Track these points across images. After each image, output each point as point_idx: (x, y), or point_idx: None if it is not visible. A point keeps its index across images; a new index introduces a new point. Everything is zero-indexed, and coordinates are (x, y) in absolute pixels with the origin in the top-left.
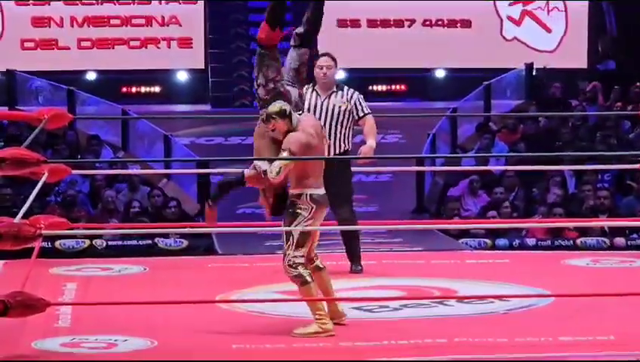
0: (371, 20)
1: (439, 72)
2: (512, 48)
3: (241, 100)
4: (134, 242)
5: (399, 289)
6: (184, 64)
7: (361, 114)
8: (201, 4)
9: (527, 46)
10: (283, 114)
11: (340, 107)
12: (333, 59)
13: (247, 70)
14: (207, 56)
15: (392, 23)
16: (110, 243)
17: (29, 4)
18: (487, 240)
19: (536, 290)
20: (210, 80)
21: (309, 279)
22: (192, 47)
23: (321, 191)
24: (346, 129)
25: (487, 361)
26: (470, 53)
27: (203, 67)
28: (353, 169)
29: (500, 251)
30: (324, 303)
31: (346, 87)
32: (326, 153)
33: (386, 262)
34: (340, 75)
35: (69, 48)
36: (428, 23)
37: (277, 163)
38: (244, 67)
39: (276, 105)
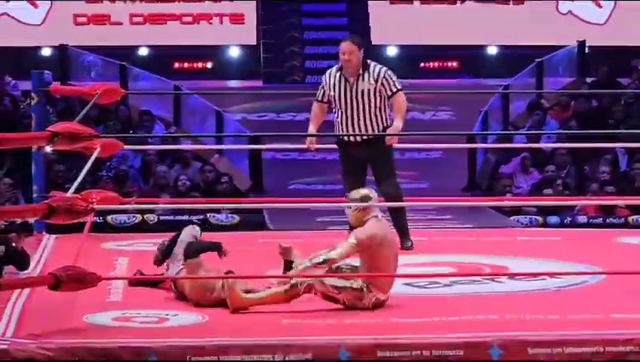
0: None
1: (491, 49)
2: (565, 24)
3: (292, 76)
4: (186, 217)
5: (450, 265)
6: (236, 40)
7: (389, 93)
8: None
9: (581, 20)
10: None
11: (368, 89)
12: (356, 43)
13: (298, 46)
14: (259, 32)
15: None
16: (162, 218)
17: None
18: (539, 218)
19: (587, 268)
20: (261, 56)
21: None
22: (244, 23)
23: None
24: (379, 109)
25: (538, 339)
26: (523, 29)
27: (255, 43)
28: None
29: (552, 228)
30: None
31: (372, 65)
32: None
33: (437, 239)
34: (392, 51)
35: (121, 24)
36: None
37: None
38: (296, 43)
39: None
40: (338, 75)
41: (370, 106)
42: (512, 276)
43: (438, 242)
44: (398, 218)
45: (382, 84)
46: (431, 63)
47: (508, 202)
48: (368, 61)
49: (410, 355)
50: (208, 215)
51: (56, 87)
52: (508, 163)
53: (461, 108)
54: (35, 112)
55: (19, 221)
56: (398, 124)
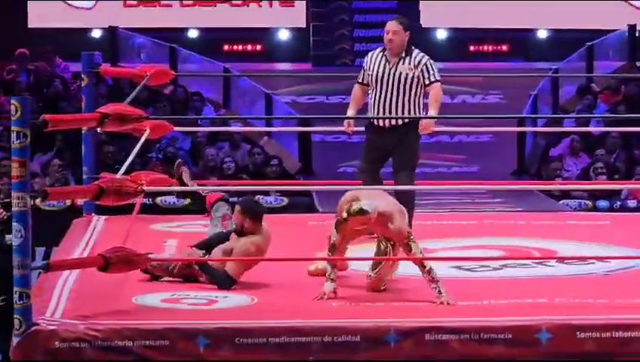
0: None
1: (541, 33)
2: (615, 8)
3: (341, 59)
4: (235, 199)
5: (500, 249)
6: (286, 22)
7: (427, 82)
8: None
9: (632, 4)
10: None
11: (407, 74)
12: (401, 23)
13: (348, 29)
14: (309, 15)
15: None
16: None
17: None
18: (588, 202)
19: (636, 252)
20: (311, 38)
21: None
22: (293, 6)
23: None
24: (412, 97)
25: (586, 322)
26: (573, 13)
27: (304, 25)
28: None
29: (601, 213)
30: None
31: (416, 52)
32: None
33: (487, 223)
34: (442, 34)
35: (170, 6)
36: None
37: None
38: (346, 26)
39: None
40: (380, 55)
41: (405, 91)
42: (562, 260)
43: (488, 225)
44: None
45: (421, 71)
46: (481, 46)
47: (553, 186)
48: (413, 47)
49: (459, 338)
50: (257, 197)
51: (106, 68)
52: (557, 146)
53: (511, 91)
54: (84, 94)
55: None
56: (431, 114)
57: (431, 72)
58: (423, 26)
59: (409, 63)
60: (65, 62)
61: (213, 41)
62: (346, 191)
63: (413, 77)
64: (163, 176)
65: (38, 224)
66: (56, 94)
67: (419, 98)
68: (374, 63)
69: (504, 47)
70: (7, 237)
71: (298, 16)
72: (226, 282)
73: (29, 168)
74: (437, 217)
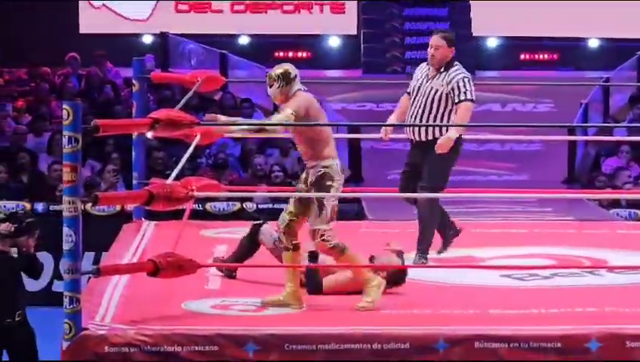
0: None
1: (592, 42)
2: None
3: (392, 66)
4: (284, 205)
5: (550, 258)
6: (336, 29)
7: (456, 100)
8: None
9: None
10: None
11: (437, 90)
12: (445, 39)
13: (399, 36)
14: (360, 22)
15: None
16: (261, 206)
17: None
18: (639, 211)
19: None
20: (362, 45)
21: (345, 245)
22: (344, 13)
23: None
24: (440, 114)
25: (636, 332)
26: (624, 22)
27: (355, 33)
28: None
29: None
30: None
31: (454, 68)
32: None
33: (537, 231)
34: (493, 42)
35: (221, 12)
36: None
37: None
38: (397, 33)
39: (283, 67)
40: (426, 67)
41: (432, 107)
42: (612, 269)
43: (538, 234)
44: (422, 229)
45: (452, 88)
46: (532, 55)
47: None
48: (456, 63)
49: (508, 347)
50: None
51: (157, 74)
52: (608, 156)
53: (561, 100)
54: (135, 99)
55: (27, 220)
56: (450, 133)
57: (461, 90)
58: (474, 34)
59: (443, 79)
60: (116, 68)
61: (263, 47)
62: (396, 198)
63: (442, 93)
64: (213, 182)
65: (88, 229)
66: (107, 100)
67: (448, 115)
68: (418, 75)
69: (555, 56)
70: (12, 250)
71: (349, 23)
72: (315, 286)
73: (80, 173)
74: (487, 225)
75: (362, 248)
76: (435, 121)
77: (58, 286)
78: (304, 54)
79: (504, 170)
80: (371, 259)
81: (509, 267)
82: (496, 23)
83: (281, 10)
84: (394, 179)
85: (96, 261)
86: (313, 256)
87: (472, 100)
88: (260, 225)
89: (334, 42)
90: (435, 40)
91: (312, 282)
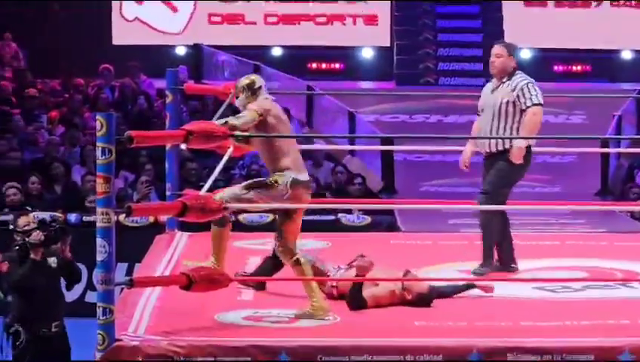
0: (558, 0)
1: (626, 53)
2: None
3: (425, 78)
4: (317, 217)
5: (582, 270)
6: (369, 41)
7: (523, 107)
8: None
9: None
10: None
11: (503, 99)
12: (506, 47)
13: (432, 48)
14: (393, 34)
15: (578, 2)
16: None
17: None
18: None
19: None
20: (395, 57)
21: (302, 258)
22: (377, 24)
23: (303, 176)
24: (509, 123)
25: None
26: None
27: (388, 44)
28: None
29: None
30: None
31: (517, 75)
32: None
33: (570, 243)
34: (526, 54)
35: (255, 23)
36: (615, 2)
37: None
38: (430, 45)
39: (249, 78)
40: (490, 83)
41: (501, 117)
42: None
43: (571, 246)
44: (482, 236)
45: (517, 95)
46: (565, 67)
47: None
48: (518, 71)
49: (541, 359)
50: (339, 215)
51: (191, 85)
52: None
53: (594, 111)
54: (169, 110)
55: (57, 225)
56: (518, 142)
57: (527, 96)
58: None
59: (506, 88)
60: (149, 79)
61: (297, 59)
62: (430, 210)
63: (509, 102)
64: None
65: (121, 240)
66: (140, 111)
67: (517, 124)
68: (484, 92)
69: (588, 68)
70: (50, 259)
71: (382, 34)
72: (359, 303)
73: (113, 184)
74: (520, 237)
75: (393, 260)
76: (504, 131)
77: (91, 297)
78: (337, 66)
79: (537, 182)
80: (406, 273)
81: (541, 279)
82: (530, 34)
83: (314, 22)
84: (426, 191)
85: (129, 272)
86: (358, 276)
87: (539, 104)
88: None
89: (367, 54)
90: (496, 49)
91: (356, 299)
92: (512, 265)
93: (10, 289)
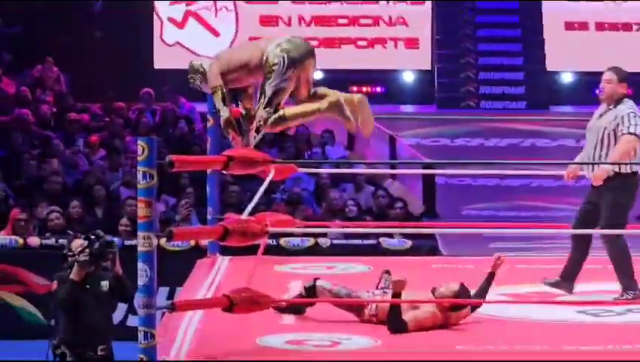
0: (599, 23)
1: None
2: None
3: (467, 101)
4: (358, 241)
5: None
6: (410, 64)
7: (619, 133)
8: (428, 5)
9: None
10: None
11: (604, 127)
12: (616, 74)
13: (473, 72)
14: (434, 57)
15: (619, 26)
16: (335, 241)
17: (259, 2)
18: None
19: None
20: (436, 81)
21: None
22: (418, 48)
23: None
24: (608, 153)
25: None
26: None
27: (429, 68)
28: None
29: None
30: None
31: (624, 103)
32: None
33: (612, 267)
34: (567, 77)
35: None
36: None
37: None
38: (471, 68)
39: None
40: (600, 107)
41: (602, 145)
42: None
43: (613, 270)
44: (615, 265)
45: (617, 123)
46: None
47: None
48: (626, 99)
49: None
50: (380, 239)
51: (233, 109)
52: None
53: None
54: (210, 134)
55: (101, 240)
56: (605, 166)
57: (625, 125)
58: (548, 69)
59: (611, 115)
60: (190, 103)
61: (338, 82)
62: (471, 234)
63: (610, 130)
64: (287, 217)
65: (162, 263)
66: (181, 135)
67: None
68: (594, 114)
69: (630, 91)
70: (103, 283)
71: (423, 58)
72: (399, 327)
73: (155, 208)
74: (562, 261)
75: (434, 284)
76: (605, 158)
77: (133, 321)
78: (378, 89)
79: (578, 206)
80: (433, 291)
81: (584, 303)
82: (570, 58)
83: (355, 46)
84: (468, 215)
85: (171, 296)
86: (396, 294)
87: (634, 134)
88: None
89: (408, 77)
90: (606, 74)
91: (396, 322)
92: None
93: (54, 308)
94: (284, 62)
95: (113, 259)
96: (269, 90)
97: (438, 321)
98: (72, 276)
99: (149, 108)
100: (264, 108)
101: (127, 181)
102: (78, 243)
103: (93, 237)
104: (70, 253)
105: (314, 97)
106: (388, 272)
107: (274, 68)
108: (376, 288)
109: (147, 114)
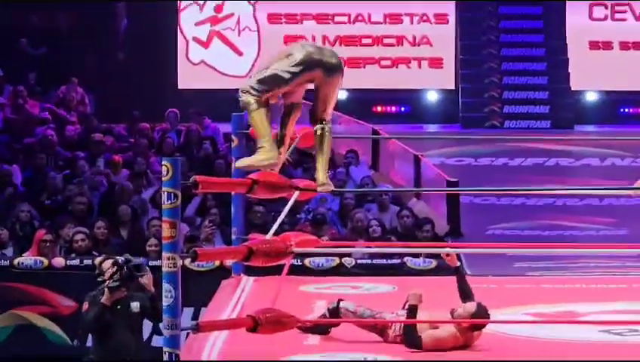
0: (623, 42)
1: None
2: None
3: (491, 121)
4: (383, 261)
5: None
6: (434, 84)
7: None
8: (452, 25)
9: None
10: None
11: None
12: None
13: (497, 91)
14: (458, 77)
15: None
16: (359, 261)
17: (282, 23)
18: None
19: None
20: (460, 100)
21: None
22: (442, 68)
23: None
24: None
25: None
26: None
27: (453, 87)
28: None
29: None
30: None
31: None
32: None
33: (636, 286)
34: (592, 96)
35: None
36: None
37: None
38: (495, 88)
39: None
40: None
41: None
42: None
43: (638, 289)
44: None
45: None
46: (631, 109)
47: None
48: None
49: None
50: (405, 259)
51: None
52: None
53: None
54: (235, 155)
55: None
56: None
57: None
58: (572, 88)
59: None
60: (215, 123)
61: (362, 102)
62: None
63: None
64: (312, 237)
65: (186, 284)
66: (206, 155)
67: None
68: None
69: None
70: (133, 304)
71: (447, 77)
72: (414, 343)
73: (179, 229)
74: (586, 281)
75: (459, 303)
76: None
77: (157, 341)
78: (403, 109)
79: (603, 225)
80: (452, 312)
81: (608, 322)
82: (595, 77)
83: (379, 65)
84: (492, 235)
85: (195, 316)
86: (412, 311)
87: None
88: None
89: (432, 97)
90: None
91: (411, 338)
92: None
93: (84, 330)
94: (301, 58)
95: (148, 279)
96: (269, 71)
97: (459, 342)
98: (102, 300)
99: (174, 129)
100: (253, 84)
101: (153, 200)
102: (108, 264)
103: (122, 262)
104: (101, 275)
105: (286, 123)
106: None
107: (289, 56)
108: (403, 308)
109: (172, 134)
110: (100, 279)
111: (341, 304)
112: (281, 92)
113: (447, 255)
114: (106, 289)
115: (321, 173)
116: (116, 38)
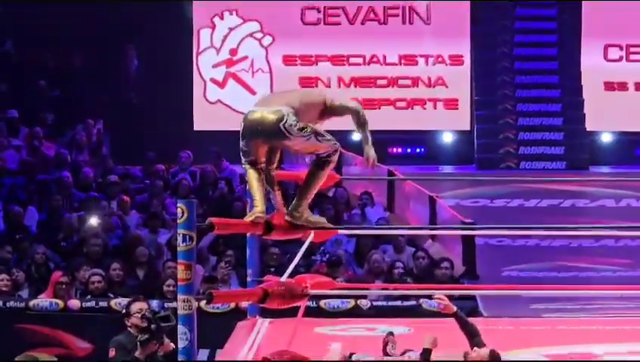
0: (639, 84)
1: None
2: None
3: (506, 162)
4: (399, 303)
5: None
6: (450, 125)
7: None
8: (467, 66)
9: None
10: None
11: None
12: None
13: (512, 132)
14: (473, 118)
15: None
16: (375, 303)
17: (297, 65)
18: None
19: None
20: (475, 141)
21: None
22: (457, 109)
23: None
24: None
25: None
26: None
27: (468, 128)
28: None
29: None
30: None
31: None
32: None
33: None
34: (607, 137)
35: None
36: None
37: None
38: (510, 129)
39: None
40: None
41: None
42: None
43: None
44: None
45: None
46: None
47: None
48: None
49: None
50: (421, 300)
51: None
52: None
53: None
54: (249, 198)
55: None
56: None
57: None
58: (587, 129)
59: None
60: (231, 165)
61: (377, 143)
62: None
63: None
64: (327, 279)
65: (202, 325)
66: (221, 196)
67: None
68: None
69: None
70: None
71: (462, 118)
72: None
73: (194, 271)
74: (602, 322)
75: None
76: None
77: None
78: (418, 150)
79: (618, 266)
80: (466, 355)
81: None
82: (610, 118)
83: (394, 107)
84: (508, 276)
85: (211, 358)
86: (426, 354)
87: None
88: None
89: (448, 138)
90: None
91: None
92: None
93: None
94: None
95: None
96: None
97: None
98: (137, 354)
99: (188, 170)
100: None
101: (169, 243)
102: (138, 306)
103: (149, 315)
104: (128, 316)
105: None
106: (391, 334)
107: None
108: (383, 352)
109: (186, 175)
110: (127, 323)
111: (353, 357)
112: (252, 159)
113: (440, 303)
114: (138, 344)
115: (261, 205)
116: (128, 79)
